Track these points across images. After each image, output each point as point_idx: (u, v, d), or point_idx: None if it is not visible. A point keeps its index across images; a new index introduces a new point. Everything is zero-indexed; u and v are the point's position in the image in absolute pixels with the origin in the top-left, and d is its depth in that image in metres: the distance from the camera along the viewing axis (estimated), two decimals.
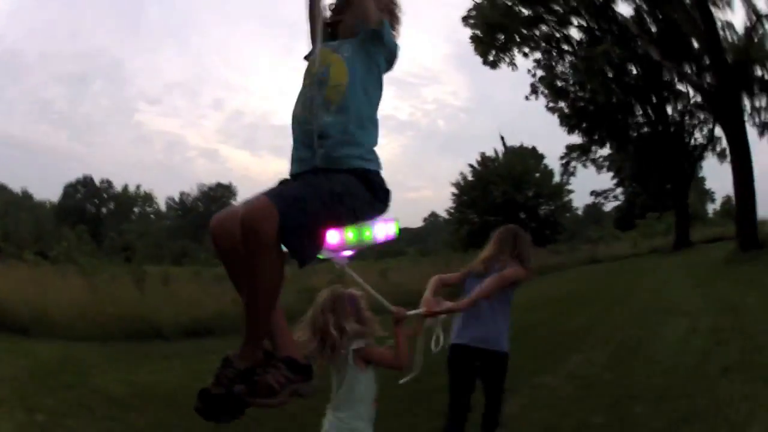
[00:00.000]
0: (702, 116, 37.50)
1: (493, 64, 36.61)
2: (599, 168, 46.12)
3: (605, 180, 56.45)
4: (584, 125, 40.06)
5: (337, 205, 2.68)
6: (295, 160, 2.99)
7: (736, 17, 45.96)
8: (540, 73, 39.06)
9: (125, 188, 78.24)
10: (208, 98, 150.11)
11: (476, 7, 34.74)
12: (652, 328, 11.80)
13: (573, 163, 44.07)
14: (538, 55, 38.05)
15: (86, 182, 75.30)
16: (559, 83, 39.32)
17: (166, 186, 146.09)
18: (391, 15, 3.23)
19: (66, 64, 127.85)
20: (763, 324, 10.61)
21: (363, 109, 2.97)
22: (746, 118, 26.97)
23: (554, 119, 40.48)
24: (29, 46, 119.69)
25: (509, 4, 34.36)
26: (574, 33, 36.54)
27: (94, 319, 12.97)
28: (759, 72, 28.38)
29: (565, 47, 37.55)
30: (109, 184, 76.95)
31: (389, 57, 3.13)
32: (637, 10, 33.58)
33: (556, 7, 34.79)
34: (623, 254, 35.41)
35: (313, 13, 3.21)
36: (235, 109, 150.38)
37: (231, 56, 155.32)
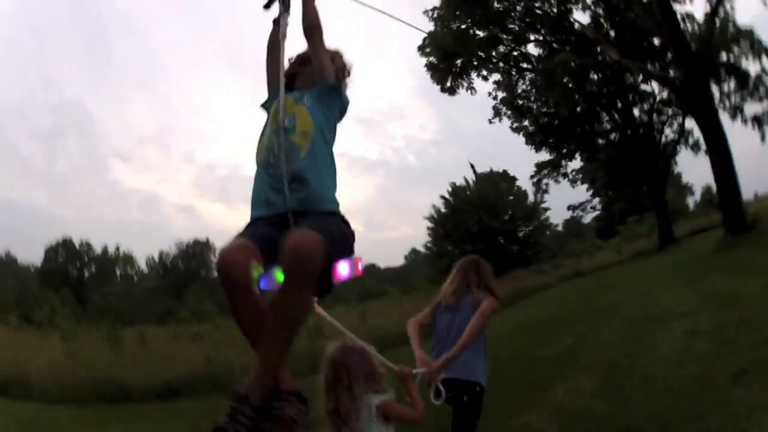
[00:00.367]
0: (670, 112, 36.77)
1: (451, 90, 36.12)
2: (573, 182, 45.45)
3: (581, 193, 55.82)
4: (551, 140, 39.16)
5: (345, 244, 3.00)
6: (263, 204, 3.14)
7: (695, 7, 45.38)
8: (501, 94, 38.33)
9: (105, 250, 77.12)
10: (180, 151, 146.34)
11: (430, 34, 33.90)
12: (646, 340, 10.33)
13: (545, 181, 43.00)
14: (497, 76, 37.50)
15: (66, 244, 73.88)
16: (520, 101, 38.46)
17: (146, 244, 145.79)
18: (343, 72, 3.56)
19: (39, 118, 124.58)
20: None
21: (327, 155, 3.24)
22: (717, 104, 25.98)
23: (521, 140, 39.70)
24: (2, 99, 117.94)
25: (463, 27, 33.71)
26: (532, 49, 36.26)
27: (68, 382, 13.27)
28: (724, 57, 27.98)
29: (524, 65, 37.05)
30: (88, 246, 75.51)
31: (342, 109, 3.46)
32: (594, 16, 33.16)
33: (511, 26, 34.40)
34: (608, 263, 34.40)
35: (275, 64, 3.44)
36: (207, 161, 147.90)
37: (199, 104, 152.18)
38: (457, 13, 33.19)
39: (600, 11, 32.66)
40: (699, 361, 7.75)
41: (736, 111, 28.64)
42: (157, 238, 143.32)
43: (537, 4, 34.20)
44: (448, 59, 34.42)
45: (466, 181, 50.45)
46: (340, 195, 3.24)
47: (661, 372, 7.89)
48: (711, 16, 24.87)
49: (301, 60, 3.62)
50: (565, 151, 40.15)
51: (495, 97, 38.28)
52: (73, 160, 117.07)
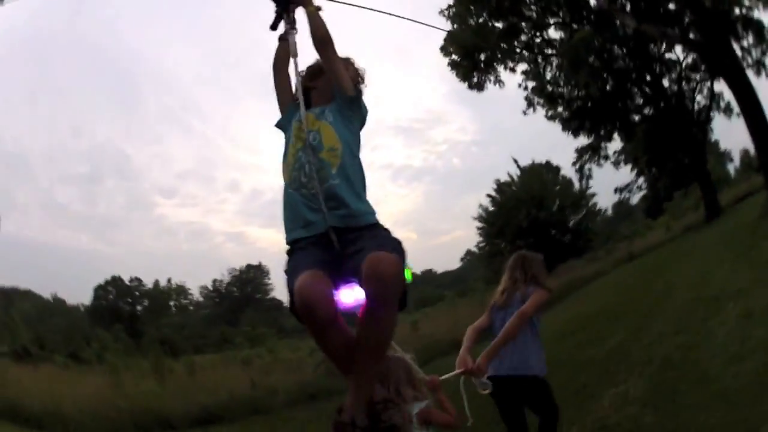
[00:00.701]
0: (698, 77, 35.24)
1: (479, 86, 34.29)
2: (616, 164, 43.61)
3: (626, 174, 54.40)
4: (587, 124, 37.69)
5: (403, 252, 2.86)
6: (301, 225, 3.07)
7: None
8: (531, 84, 36.70)
9: (156, 283, 75.60)
10: (223, 182, 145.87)
11: (449, 34, 32.63)
12: (700, 328, 9.35)
13: (587, 166, 41.63)
14: (524, 66, 35.88)
15: (116, 282, 72.82)
16: (549, 88, 36.87)
17: (200, 275, 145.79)
18: (358, 80, 3.50)
19: (73, 164, 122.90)
20: None
21: (358, 168, 3.20)
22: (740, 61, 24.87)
23: (559, 128, 38.32)
24: (31, 146, 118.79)
25: (480, 21, 32.41)
26: (553, 34, 34.57)
27: (107, 413, 13.23)
28: (737, 11, 26.33)
29: (548, 51, 35.47)
30: (139, 282, 74.33)
31: (362, 120, 3.40)
32: None
33: (528, 12, 32.99)
34: (659, 242, 33.06)
35: (285, 82, 3.49)
36: (251, 188, 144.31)
37: (236, 135, 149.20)
38: (471, 7, 31.91)
39: None
40: (756, 352, 6.82)
41: (759, 66, 27.23)
42: (210, 268, 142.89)
43: None
44: (471, 55, 33.16)
45: (511, 176, 49.67)
46: (389, 205, 3.46)
47: (716, 368, 6.94)
48: None
49: (312, 74, 3.51)
50: (602, 132, 38.71)
51: (525, 88, 36.72)
52: (115, 201, 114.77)
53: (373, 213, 3.13)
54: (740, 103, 21.91)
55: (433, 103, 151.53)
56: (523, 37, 34.10)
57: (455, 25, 32.26)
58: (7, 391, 13.97)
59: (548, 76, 36.51)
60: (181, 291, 77.55)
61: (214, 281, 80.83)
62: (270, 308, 71.55)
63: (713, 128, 37.33)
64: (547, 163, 51.24)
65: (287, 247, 3.15)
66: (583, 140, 39.35)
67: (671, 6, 28.51)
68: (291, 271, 2.86)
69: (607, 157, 40.96)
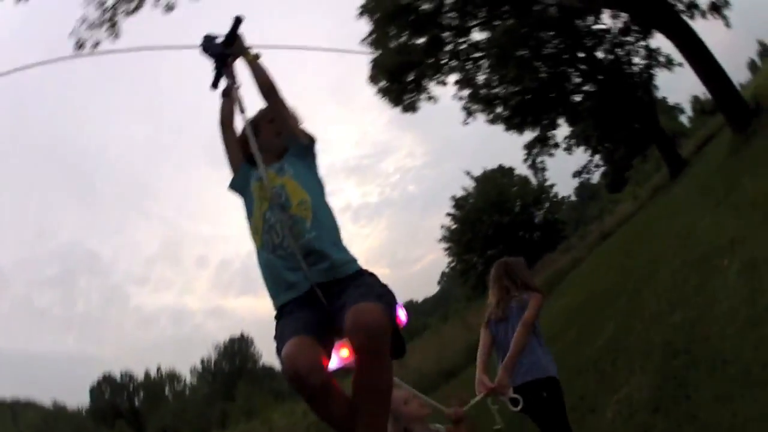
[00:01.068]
0: (632, 39, 34.30)
1: (412, 107, 33.52)
2: (568, 149, 42.98)
3: (582, 156, 54.52)
4: (529, 118, 36.66)
5: (392, 298, 2.81)
6: (285, 288, 2.91)
7: None
8: (465, 92, 35.59)
9: (147, 374, 76.34)
10: (191, 259, 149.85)
11: (374, 61, 31.86)
12: (696, 299, 7.91)
13: (539, 159, 40.66)
14: (455, 76, 34.89)
15: (108, 380, 73.13)
16: (484, 91, 35.66)
17: (189, 356, 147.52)
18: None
19: (44, 268, 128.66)
20: None
21: (330, 216, 3.08)
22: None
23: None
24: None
25: (402, 41, 31.55)
26: (478, 36, 33.49)
27: None
28: None
29: (476, 54, 34.17)
30: (130, 377, 74.74)
31: (317, 165, 3.30)
32: None
33: (447, 21, 32.08)
34: (629, 214, 32.21)
35: (233, 140, 3.34)
36: (219, 260, 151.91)
37: (193, 210, 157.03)
38: (391, 29, 31.09)
39: None
40: None
41: (691, 8, 26.14)
42: (197, 348, 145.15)
43: None
44: (397, 78, 32.27)
45: (466, 190, 49.52)
46: (356, 247, 3.16)
47: (730, 344, 5.77)
48: None
49: (255, 124, 3.32)
50: (546, 122, 37.80)
51: (460, 98, 35.77)
52: (90, 299, 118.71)
53: (354, 260, 2.98)
54: (683, 51, 20.85)
55: (377, 135, 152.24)
56: (448, 47, 33.31)
57: (378, 51, 31.49)
58: None
59: (480, 80, 35.43)
60: (173, 377, 77.60)
61: (202, 360, 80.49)
62: (262, 377, 71.22)
63: (657, 85, 36.48)
64: (500, 167, 51.28)
65: (275, 312, 2.97)
66: (530, 135, 38.59)
67: None
68: (278, 338, 2.74)
69: (557, 145, 40.10)
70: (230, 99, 3.34)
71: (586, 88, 36.39)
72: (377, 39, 30.98)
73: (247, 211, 3.17)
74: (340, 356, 2.90)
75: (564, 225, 48.62)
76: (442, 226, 49.73)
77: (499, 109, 35.95)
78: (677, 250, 11.73)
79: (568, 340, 11.77)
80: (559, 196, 52.17)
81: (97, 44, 18.90)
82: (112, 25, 18.89)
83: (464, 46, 33.56)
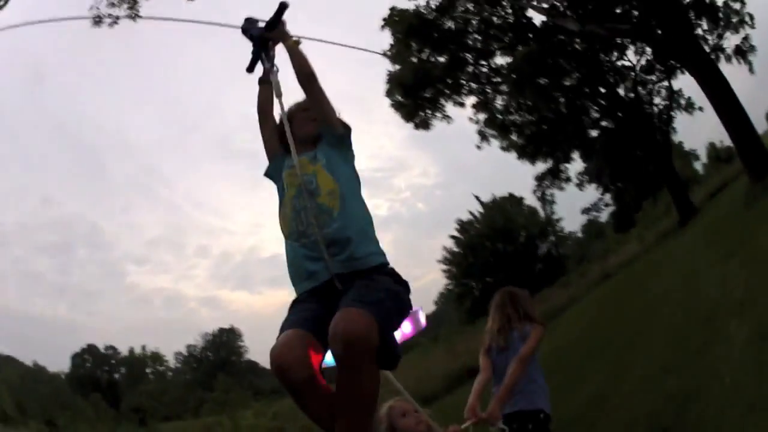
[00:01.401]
0: (654, 78, 34.01)
1: (425, 125, 32.92)
2: (579, 185, 43.45)
3: (592, 194, 54.17)
4: (543, 149, 35.88)
5: (401, 303, 2.77)
6: (306, 277, 2.89)
7: None
8: (482, 116, 34.76)
9: (131, 351, 76.92)
10: (192, 247, 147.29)
11: (391, 75, 31.30)
12: (700, 362, 6.77)
13: (548, 191, 40.00)
14: (473, 99, 34.06)
15: (92, 350, 74.05)
16: (500, 117, 34.82)
17: (177, 341, 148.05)
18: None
19: (45, 234, 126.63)
20: None
21: (361, 207, 3.03)
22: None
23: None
24: (3, 216, 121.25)
25: (424, 58, 30.99)
26: (500, 60, 32.95)
27: None
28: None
29: (496, 79, 33.58)
30: (114, 350, 75.61)
31: (352, 156, 3.23)
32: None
33: (471, 42, 31.62)
34: (633, 256, 31.21)
35: (270, 127, 3.31)
36: (220, 252, 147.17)
37: (201, 200, 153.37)
38: (413, 44, 30.49)
39: None
40: None
41: (716, 52, 26.15)
42: (187, 334, 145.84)
43: (487, 13, 31.24)
44: (413, 94, 31.56)
45: (473, 214, 49.22)
46: None
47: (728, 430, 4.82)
48: None
49: (290, 112, 3.29)
50: (559, 155, 36.94)
51: (477, 121, 34.87)
52: (87, 270, 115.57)
53: (378, 253, 2.92)
54: (706, 90, 19.63)
55: (393, 150, 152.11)
56: (469, 68, 32.72)
57: (396, 65, 31.02)
58: None
59: (498, 105, 34.74)
60: (157, 358, 78.26)
61: (188, 347, 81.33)
62: (243, 372, 71.88)
63: (675, 128, 36.15)
64: (510, 195, 50.89)
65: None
66: (542, 166, 37.75)
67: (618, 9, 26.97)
68: (280, 328, 2.72)
69: (568, 179, 39.25)
70: (267, 86, 3.29)
71: (603, 123, 35.61)
72: (398, 53, 30.33)
73: (279, 198, 3.15)
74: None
75: (567, 260, 47.97)
76: (444, 248, 49.14)
77: (513, 137, 35.12)
78: (679, 303, 10.54)
79: (551, 385, 10.42)
80: (566, 231, 52.16)
81: (116, 20, 18.34)
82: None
83: (485, 69, 32.89)
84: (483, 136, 34.79)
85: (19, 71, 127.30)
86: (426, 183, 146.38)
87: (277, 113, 3.29)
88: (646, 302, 13.50)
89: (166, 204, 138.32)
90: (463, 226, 48.57)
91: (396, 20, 29.53)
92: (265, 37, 3.28)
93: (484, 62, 32.68)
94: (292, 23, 3.30)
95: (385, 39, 30.68)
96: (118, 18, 18.26)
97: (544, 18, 29.19)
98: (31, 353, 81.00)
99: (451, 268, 48.30)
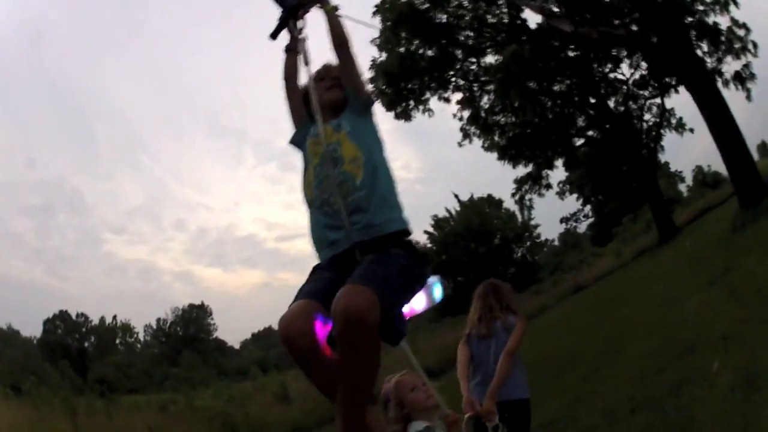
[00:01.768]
0: (647, 93, 33.43)
1: (405, 116, 31.91)
2: (561, 194, 43.57)
3: (573, 203, 55.03)
4: (525, 152, 34.91)
5: (411, 278, 2.75)
6: (326, 245, 2.92)
7: None
8: (466, 113, 34.10)
9: (102, 320, 76.20)
10: (170, 220, 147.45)
11: (376, 62, 30.42)
12: (670, 405, 5.74)
13: (527, 196, 38.87)
14: (459, 95, 33.47)
15: (63, 317, 73.48)
16: (483, 114, 34.03)
17: (149, 313, 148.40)
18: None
19: (27, 196, 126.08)
20: None
21: (385, 174, 3.00)
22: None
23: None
24: None
25: (412, 49, 30.13)
26: (490, 59, 32.30)
27: None
28: (689, 18, 24.49)
29: (485, 78, 32.93)
30: (85, 317, 74.85)
31: (376, 123, 3.22)
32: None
33: (462, 38, 30.85)
34: (608, 270, 31.03)
35: (297, 96, 3.29)
36: (197, 227, 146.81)
37: (184, 173, 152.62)
38: (403, 34, 29.59)
39: None
40: None
41: (715, 73, 25.01)
42: (160, 307, 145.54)
43: (482, 10, 30.46)
44: (396, 84, 30.64)
45: (449, 212, 48.87)
46: None
47: None
48: None
49: (319, 78, 3.24)
50: (540, 161, 35.92)
51: (460, 118, 34.26)
52: (65, 235, 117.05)
53: (397, 219, 2.89)
54: (703, 109, 18.85)
55: None
56: (458, 65, 32.13)
57: (383, 53, 30.26)
58: None
59: (485, 104, 34.10)
60: (127, 329, 78.07)
61: (158, 320, 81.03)
62: (209, 350, 71.43)
63: (663, 146, 35.37)
64: (489, 196, 50.96)
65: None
66: (523, 170, 36.89)
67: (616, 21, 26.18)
68: (296, 295, 2.75)
69: (549, 186, 38.24)
70: (294, 55, 3.28)
71: (590, 133, 35.04)
72: (386, 40, 29.56)
73: (303, 166, 3.15)
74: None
75: (541, 268, 47.79)
76: (416, 243, 47.84)
77: (496, 137, 34.59)
78: (654, 330, 9.52)
79: None
80: (542, 238, 52.06)
81: None
82: None
83: (474, 66, 32.36)
84: (465, 134, 34.27)
85: (18, 27, 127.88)
86: (407, 177, 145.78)
87: (304, 81, 3.25)
88: (618, 323, 12.53)
89: (149, 174, 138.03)
90: (438, 223, 48.10)
91: (387, 7, 28.60)
92: (296, 5, 3.23)
93: (473, 59, 32.08)
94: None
95: (374, 27, 29.95)
96: None
97: (539, 20, 28.61)
98: (6, 316, 79.50)
99: None
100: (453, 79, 32.31)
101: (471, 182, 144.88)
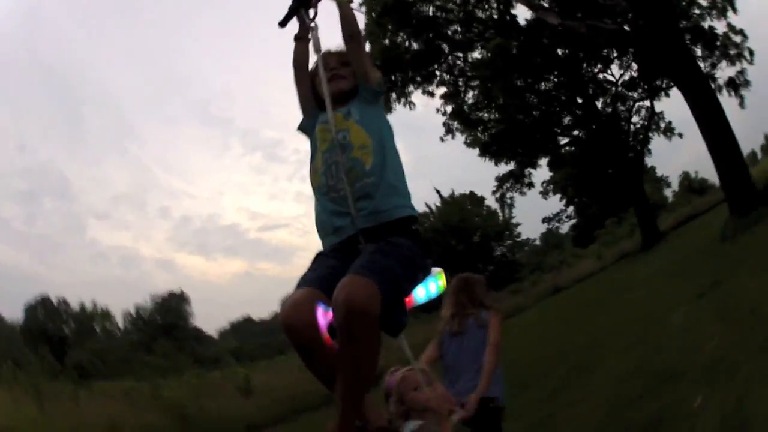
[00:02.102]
0: (636, 95, 33.33)
1: (386, 108, 30.40)
2: (544, 194, 43.90)
3: (556, 203, 55.29)
4: (508, 150, 34.63)
5: (413, 269, 2.72)
6: (331, 232, 2.91)
7: None
8: (450, 108, 33.80)
9: (83, 306, 75.75)
10: (154, 208, 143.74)
11: None
12: None
13: (509, 194, 38.51)
14: (443, 89, 32.98)
15: (45, 302, 73.09)
16: (467, 110, 33.93)
17: (131, 300, 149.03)
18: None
19: (16, 181, 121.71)
20: None
21: (393, 161, 2.99)
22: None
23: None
24: None
25: (398, 41, 29.63)
26: (477, 54, 31.90)
27: None
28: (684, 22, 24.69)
29: (471, 73, 32.71)
30: (66, 303, 74.66)
31: (384, 110, 3.26)
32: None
33: (450, 32, 30.41)
34: (588, 272, 30.54)
35: (306, 83, 3.25)
36: (181, 216, 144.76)
37: (170, 161, 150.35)
38: (389, 27, 29.03)
39: None
40: None
41: (708, 79, 24.04)
42: (140, 294, 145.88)
43: (472, 5, 30.16)
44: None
45: (429, 207, 49.21)
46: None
47: None
48: None
49: (329, 68, 3.16)
50: (520, 159, 35.73)
51: (444, 113, 33.92)
52: (51, 221, 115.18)
53: (403, 206, 2.85)
54: (698, 114, 17.81)
55: None
56: (443, 59, 31.79)
57: (367, 44, 28.85)
58: None
59: (469, 100, 33.98)
60: (106, 316, 77.72)
61: (137, 307, 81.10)
62: (189, 337, 71.63)
63: (651, 149, 35.48)
64: (471, 193, 51.20)
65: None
66: (506, 167, 36.56)
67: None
68: (297, 283, 2.72)
69: (531, 185, 38.23)
70: (304, 42, 3.21)
71: (576, 133, 34.68)
72: (370, 32, 28.87)
73: (311, 152, 3.15)
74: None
75: (521, 267, 47.43)
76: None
77: (479, 133, 34.37)
78: (632, 346, 8.51)
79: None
80: (524, 237, 52.26)
81: None
82: None
83: (460, 61, 32.10)
84: (448, 129, 33.99)
85: (14, 5, 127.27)
86: None
87: (313, 69, 3.21)
88: (595, 334, 11.49)
89: (135, 161, 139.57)
90: (418, 218, 47.51)
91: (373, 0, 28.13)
92: None
93: (460, 53, 31.74)
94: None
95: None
96: None
97: (529, 16, 28.33)
98: None
99: None
100: (438, 73, 31.81)
101: (456, 178, 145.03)
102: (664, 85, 29.25)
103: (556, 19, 23.42)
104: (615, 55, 30.86)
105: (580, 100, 33.11)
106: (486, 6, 30.02)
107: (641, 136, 33.08)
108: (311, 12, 3.19)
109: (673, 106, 32.74)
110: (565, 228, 60.52)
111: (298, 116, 3.26)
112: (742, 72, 26.64)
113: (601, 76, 33.11)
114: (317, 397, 14.72)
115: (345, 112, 3.03)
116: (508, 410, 7.13)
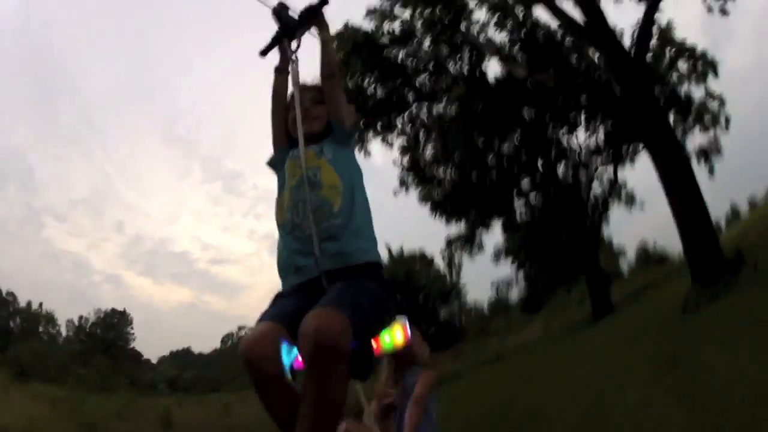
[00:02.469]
0: (599, 161, 32.44)
1: None
2: (496, 258, 42.72)
3: (508, 265, 53.95)
4: (461, 211, 33.83)
5: (382, 312, 2.67)
6: (293, 271, 2.84)
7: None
8: (406, 160, 32.75)
9: (29, 305, 77.04)
10: (111, 219, 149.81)
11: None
12: None
13: (458, 255, 38.09)
14: (402, 140, 32.03)
15: None
16: (422, 164, 32.75)
17: (74, 307, 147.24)
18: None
19: None
20: None
21: (362, 204, 2.94)
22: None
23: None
24: None
25: (363, 84, 28.58)
26: (442, 107, 31.08)
27: None
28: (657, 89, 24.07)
29: (431, 125, 31.74)
30: (14, 297, 75.50)
31: (355, 150, 3.31)
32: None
33: (417, 83, 29.51)
34: (533, 341, 30.15)
35: (282, 118, 3.23)
36: (135, 233, 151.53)
37: (130, 173, 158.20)
38: (357, 65, 27.81)
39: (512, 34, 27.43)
40: None
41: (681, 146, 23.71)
42: (85, 303, 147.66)
43: (444, 55, 29.27)
44: None
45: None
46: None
47: None
48: (645, 26, 18.70)
49: (303, 106, 3.19)
50: (473, 219, 34.77)
51: (402, 166, 32.87)
52: (11, 211, 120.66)
53: (368, 250, 2.84)
54: (667, 179, 16.97)
55: None
56: (408, 109, 30.89)
57: None
58: None
59: (427, 155, 32.97)
60: (50, 319, 79.12)
61: (80, 318, 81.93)
62: (126, 358, 72.43)
63: (609, 217, 34.62)
64: (422, 253, 51.75)
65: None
66: (456, 228, 35.82)
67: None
68: (258, 318, 2.64)
69: (481, 247, 36.98)
70: (284, 75, 3.23)
71: (530, 196, 33.96)
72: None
73: (278, 188, 3.11)
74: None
75: (466, 331, 48.21)
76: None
77: (433, 191, 33.48)
78: (579, 423, 7.43)
79: None
80: (471, 298, 54.05)
81: None
82: None
83: (424, 113, 31.21)
84: (402, 182, 32.96)
85: None
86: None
87: (289, 102, 3.21)
88: (531, 415, 10.09)
89: (98, 167, 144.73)
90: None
91: (346, 37, 27.42)
92: (294, 27, 3.16)
93: (425, 104, 30.82)
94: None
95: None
96: None
97: (498, 73, 28.09)
98: None
99: None
100: (399, 123, 30.90)
101: (408, 234, 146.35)
102: (630, 151, 29.11)
103: (524, 71, 23.11)
104: (584, 116, 30.38)
105: (540, 162, 32.50)
106: (458, 58, 29.27)
107: (600, 206, 32.61)
108: (294, 44, 3.18)
109: (636, 174, 32.53)
110: (514, 293, 59.64)
111: (262, 152, 3.12)
112: (715, 140, 26.60)
113: (565, 140, 32.50)
114: None
115: (318, 150, 3.01)
116: None
